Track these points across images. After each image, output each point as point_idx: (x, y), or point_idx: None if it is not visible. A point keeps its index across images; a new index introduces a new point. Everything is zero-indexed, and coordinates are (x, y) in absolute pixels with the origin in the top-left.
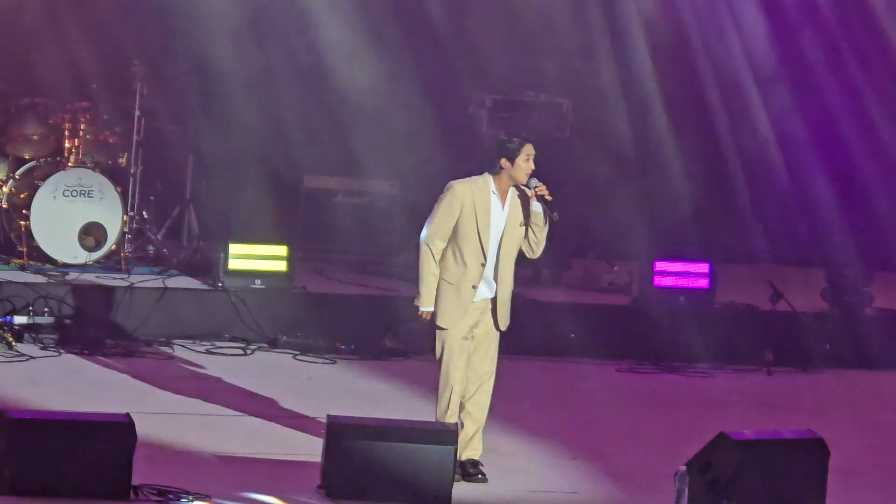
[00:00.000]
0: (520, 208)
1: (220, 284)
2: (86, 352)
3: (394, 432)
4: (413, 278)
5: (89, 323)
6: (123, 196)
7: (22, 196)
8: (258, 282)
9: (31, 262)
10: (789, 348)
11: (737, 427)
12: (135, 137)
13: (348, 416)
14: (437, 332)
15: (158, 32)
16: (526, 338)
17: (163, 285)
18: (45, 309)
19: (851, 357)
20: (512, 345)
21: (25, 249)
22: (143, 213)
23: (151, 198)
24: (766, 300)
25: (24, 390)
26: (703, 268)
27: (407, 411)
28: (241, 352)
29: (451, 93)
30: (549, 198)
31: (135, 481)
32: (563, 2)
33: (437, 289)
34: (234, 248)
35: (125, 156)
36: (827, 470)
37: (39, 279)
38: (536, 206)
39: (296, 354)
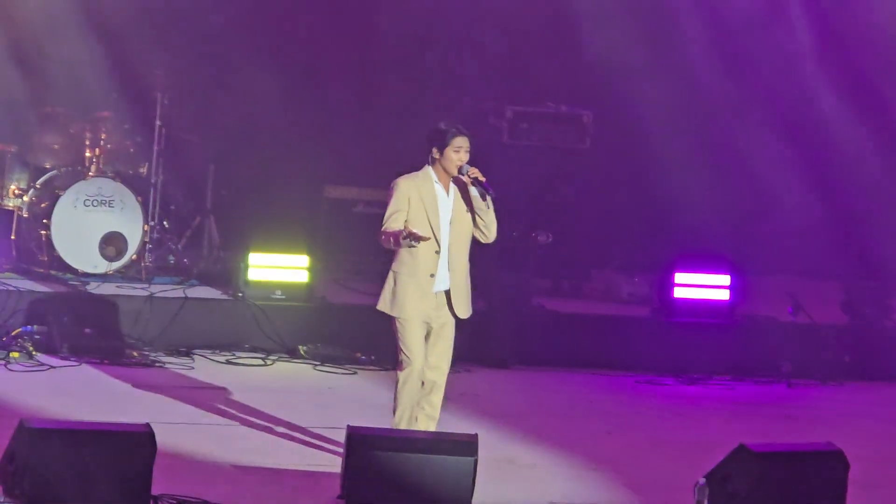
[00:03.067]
0: (461, 196)
1: (240, 294)
2: (106, 361)
3: (413, 443)
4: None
5: (109, 333)
6: (144, 206)
7: (42, 205)
8: (278, 292)
9: (52, 272)
10: (809, 360)
11: (756, 439)
12: (155, 147)
13: (368, 427)
14: (397, 324)
15: (180, 42)
16: (545, 349)
17: (183, 295)
18: (66, 319)
19: (871, 369)
20: (531, 356)
21: (46, 259)
22: (164, 222)
23: (172, 207)
24: (787, 312)
25: (43, 400)
26: (724, 280)
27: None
28: (261, 362)
29: (471, 103)
30: (482, 178)
31: (154, 491)
32: (585, 10)
33: (395, 283)
34: (255, 259)
35: (146, 165)
36: (846, 483)
37: (60, 289)
38: (473, 191)
39: (316, 365)
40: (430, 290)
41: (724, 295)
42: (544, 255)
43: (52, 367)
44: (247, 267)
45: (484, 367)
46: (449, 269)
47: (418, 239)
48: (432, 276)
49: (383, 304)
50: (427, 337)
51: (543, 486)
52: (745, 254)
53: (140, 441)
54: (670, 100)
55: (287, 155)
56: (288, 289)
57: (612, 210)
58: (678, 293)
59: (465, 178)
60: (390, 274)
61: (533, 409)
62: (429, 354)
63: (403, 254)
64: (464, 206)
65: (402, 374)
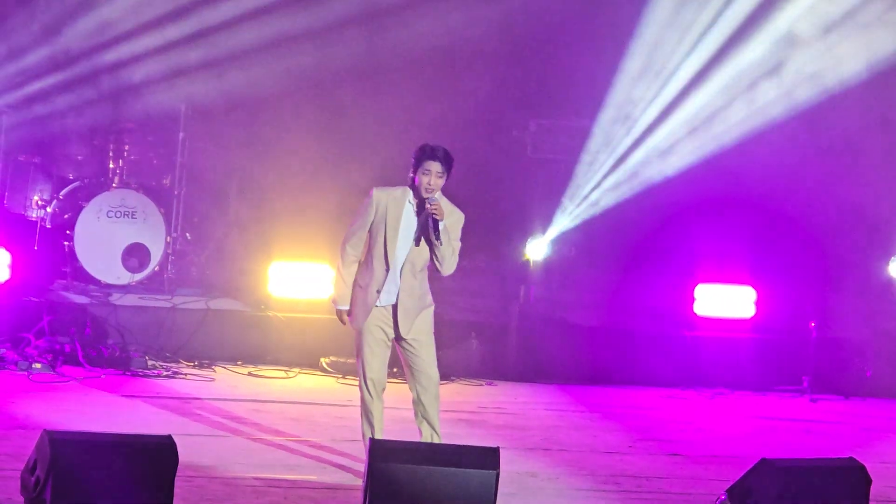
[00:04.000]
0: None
1: (262, 307)
2: (128, 373)
3: (436, 456)
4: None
5: (132, 344)
6: (167, 217)
7: (66, 216)
8: (301, 304)
9: (75, 283)
10: (831, 375)
11: (778, 453)
12: (178, 159)
13: (390, 440)
14: (356, 334)
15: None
16: (567, 362)
17: (205, 307)
18: (88, 330)
19: (894, 384)
20: (553, 369)
21: (69, 269)
22: (187, 234)
23: (195, 219)
24: (809, 326)
25: (65, 411)
26: (747, 293)
27: (449, 435)
28: (283, 375)
29: (496, 115)
30: (439, 217)
31: (176, 503)
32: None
33: (353, 291)
34: (277, 271)
35: (169, 177)
36: (868, 498)
37: (83, 300)
38: (423, 219)
39: (338, 378)
40: (373, 303)
41: (747, 309)
42: (567, 269)
43: (75, 378)
44: (269, 279)
45: (505, 380)
46: (399, 288)
47: (343, 322)
48: (378, 292)
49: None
50: (403, 352)
51: (565, 500)
52: (766, 268)
53: (162, 453)
54: (694, 111)
55: (310, 167)
56: (310, 301)
57: (636, 222)
58: (700, 307)
59: (426, 209)
60: (355, 285)
61: (555, 423)
62: (410, 370)
63: (363, 265)
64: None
65: (360, 386)
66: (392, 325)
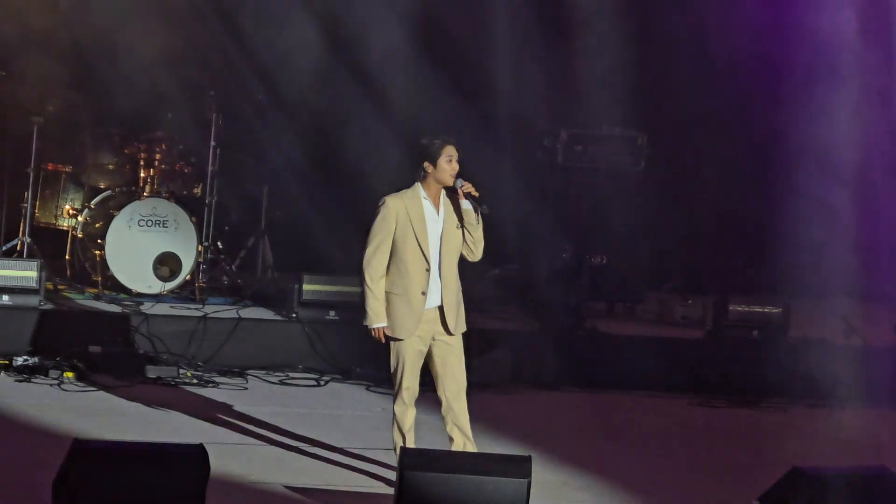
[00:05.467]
0: (453, 211)
1: (294, 315)
2: (159, 382)
3: (467, 464)
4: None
5: (163, 353)
6: (198, 226)
7: (97, 225)
8: (332, 313)
9: (106, 292)
10: (862, 384)
11: (810, 462)
12: (210, 167)
13: (421, 448)
14: (392, 344)
15: (234, 64)
16: (598, 371)
17: (237, 316)
18: (119, 339)
19: None
20: (584, 378)
21: (100, 279)
22: (218, 243)
23: (226, 228)
24: (840, 335)
25: (97, 420)
26: (778, 302)
27: (479, 443)
28: (314, 383)
29: (526, 125)
30: (475, 193)
31: None
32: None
33: (388, 303)
34: (309, 279)
35: (200, 186)
36: None
37: (114, 309)
38: (466, 205)
39: (369, 386)
40: (421, 308)
41: (778, 317)
42: (598, 277)
43: (106, 387)
44: (301, 287)
45: (537, 389)
46: (441, 286)
47: (380, 341)
48: (424, 293)
49: (368, 323)
50: (432, 359)
51: None
52: (798, 276)
53: (193, 461)
54: (725, 121)
55: (340, 175)
56: (342, 309)
57: (666, 232)
58: (732, 315)
59: (459, 192)
60: (389, 295)
61: (586, 431)
62: (441, 376)
63: (394, 273)
64: (454, 222)
65: (394, 394)
66: (439, 325)
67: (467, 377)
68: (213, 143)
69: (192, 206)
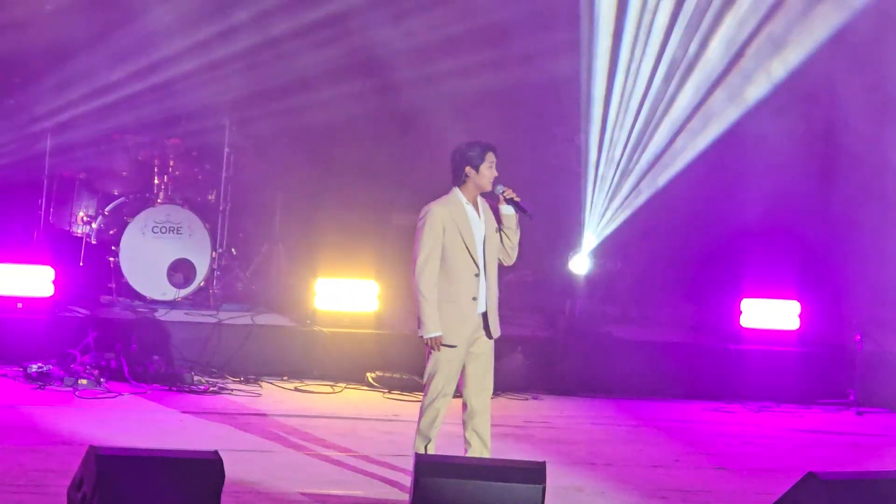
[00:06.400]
0: (492, 215)
1: (308, 322)
2: (173, 389)
3: (481, 470)
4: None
5: (177, 360)
6: (212, 233)
7: (111, 232)
8: (347, 319)
9: (120, 299)
10: (878, 388)
11: (825, 467)
12: (223, 174)
13: (436, 455)
14: (434, 351)
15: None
16: (613, 376)
17: (251, 322)
18: (134, 346)
19: None
20: (598, 383)
21: (114, 285)
22: (232, 249)
23: (240, 234)
24: (854, 339)
25: (112, 427)
26: (792, 307)
27: (495, 449)
28: (329, 390)
29: (540, 129)
30: (517, 199)
31: None
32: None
33: (439, 310)
34: (323, 286)
35: (214, 192)
36: None
37: (128, 315)
38: (507, 209)
39: (384, 392)
40: (474, 313)
41: (792, 322)
42: (613, 283)
43: (120, 394)
44: (315, 294)
45: (551, 394)
46: (486, 290)
47: (437, 349)
48: (474, 299)
49: (425, 333)
50: (464, 364)
51: None
52: (811, 280)
53: (208, 469)
54: (737, 127)
55: (355, 182)
56: (356, 316)
57: (680, 236)
58: (746, 321)
59: (500, 198)
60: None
61: (600, 437)
62: (471, 381)
63: (442, 280)
64: (494, 225)
65: (426, 398)
66: (481, 330)
67: None
68: (226, 149)
69: (206, 213)
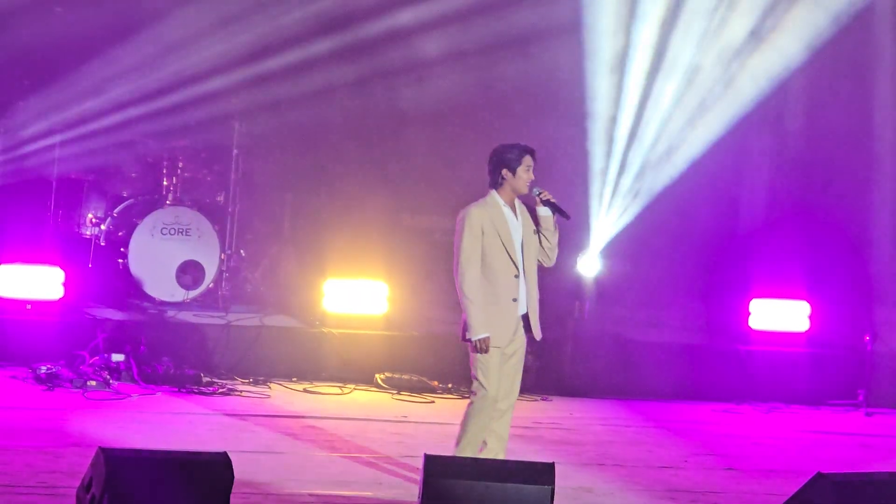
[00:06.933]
0: (529, 217)
1: (317, 323)
2: (182, 390)
3: (490, 471)
4: None
5: (186, 361)
6: (221, 234)
7: (120, 234)
8: (355, 321)
9: (129, 300)
10: (887, 389)
11: (834, 468)
12: (232, 175)
13: (445, 456)
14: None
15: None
16: (622, 377)
17: (260, 323)
18: (143, 347)
19: None
20: (607, 384)
21: (123, 287)
22: (241, 251)
23: (249, 236)
24: (864, 340)
25: (121, 428)
26: (801, 307)
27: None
28: (338, 391)
29: (551, 130)
30: (553, 200)
31: None
32: None
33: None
34: (332, 287)
35: (223, 194)
36: None
37: (137, 317)
38: (544, 211)
39: (393, 393)
40: (515, 315)
41: (802, 323)
42: (621, 284)
43: (129, 395)
44: (324, 295)
45: (561, 395)
46: (526, 291)
47: (485, 350)
48: (515, 300)
49: (473, 335)
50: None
51: None
52: (821, 281)
53: (217, 469)
54: (744, 127)
55: (364, 183)
56: (365, 317)
57: (689, 237)
58: (755, 321)
59: (537, 200)
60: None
61: (610, 438)
62: (502, 380)
63: (483, 284)
64: (532, 227)
65: (476, 402)
66: (521, 331)
67: None
68: (235, 150)
69: (214, 214)
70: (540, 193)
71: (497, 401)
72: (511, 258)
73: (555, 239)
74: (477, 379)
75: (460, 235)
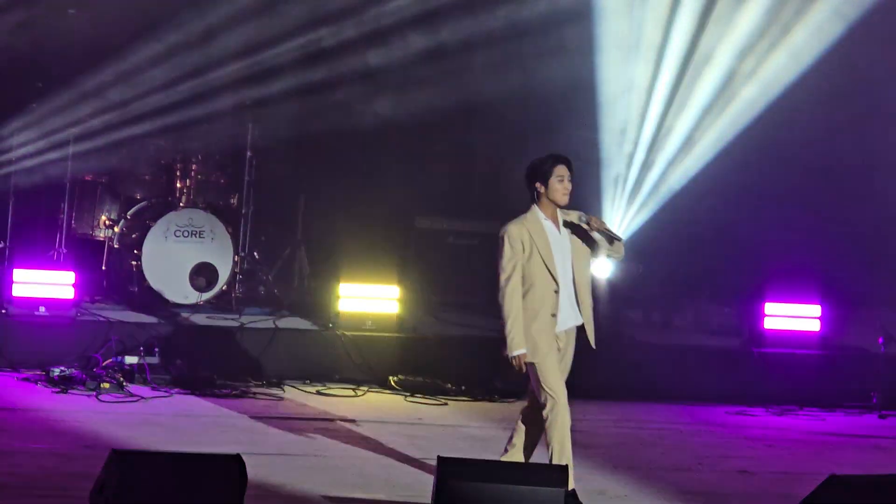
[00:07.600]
0: (579, 230)
1: (330, 325)
2: (196, 392)
3: (504, 473)
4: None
5: (200, 363)
6: (234, 236)
7: (133, 236)
8: (369, 323)
9: (143, 303)
10: None
11: (848, 470)
12: (246, 178)
13: (458, 458)
14: (532, 367)
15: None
16: (635, 380)
17: (273, 326)
18: (156, 349)
19: None
20: (621, 387)
21: (136, 289)
22: (254, 253)
23: (262, 238)
24: (878, 342)
25: (135, 430)
26: (815, 310)
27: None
28: (351, 393)
29: (565, 136)
30: (602, 228)
31: None
32: None
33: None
34: (345, 289)
35: (236, 196)
36: None
37: (151, 319)
38: (596, 236)
39: (406, 395)
40: (553, 330)
41: (815, 325)
42: (635, 287)
43: (143, 397)
44: (337, 297)
45: (573, 398)
46: (578, 305)
47: (521, 369)
48: (554, 315)
49: (510, 352)
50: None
51: None
52: (835, 284)
53: (231, 471)
54: (756, 128)
55: (377, 185)
56: (378, 319)
57: (702, 240)
58: (768, 324)
59: (586, 228)
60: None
61: (623, 440)
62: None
63: (525, 299)
64: (581, 239)
65: (550, 414)
66: (567, 346)
67: (507, 387)
68: (248, 153)
69: (228, 217)
70: (588, 220)
71: (566, 404)
72: (550, 273)
73: (617, 245)
74: (544, 390)
75: (500, 253)
